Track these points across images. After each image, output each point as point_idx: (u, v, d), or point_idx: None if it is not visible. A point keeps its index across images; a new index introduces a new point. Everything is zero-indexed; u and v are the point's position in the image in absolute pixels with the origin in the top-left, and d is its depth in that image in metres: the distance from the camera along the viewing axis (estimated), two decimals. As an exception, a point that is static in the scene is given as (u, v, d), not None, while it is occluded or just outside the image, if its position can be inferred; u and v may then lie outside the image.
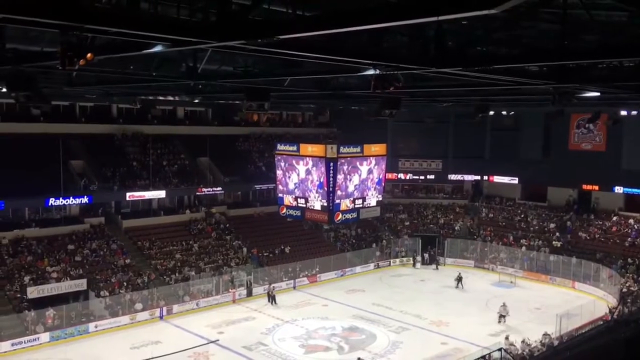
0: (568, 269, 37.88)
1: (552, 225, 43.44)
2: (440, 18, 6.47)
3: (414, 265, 42.93)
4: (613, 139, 41.41)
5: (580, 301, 32.10)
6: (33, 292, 28.75)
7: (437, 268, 42.14)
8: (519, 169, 45.76)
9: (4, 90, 17.90)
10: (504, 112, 40.24)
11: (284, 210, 32.48)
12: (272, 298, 33.67)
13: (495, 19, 10.05)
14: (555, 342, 25.14)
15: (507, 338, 25.74)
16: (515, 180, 46.86)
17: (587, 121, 39.92)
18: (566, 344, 24.07)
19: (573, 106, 23.50)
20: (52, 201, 32.72)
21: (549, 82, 15.26)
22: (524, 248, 41.68)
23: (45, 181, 32.61)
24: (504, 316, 31.77)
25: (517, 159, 45.61)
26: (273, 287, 34.49)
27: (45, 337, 27.18)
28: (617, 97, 22.94)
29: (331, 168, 29.04)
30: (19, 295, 28.81)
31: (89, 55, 8.87)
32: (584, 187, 43.71)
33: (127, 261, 33.87)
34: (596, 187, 43.27)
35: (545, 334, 25.74)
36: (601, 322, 28.05)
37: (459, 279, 37.59)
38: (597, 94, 19.36)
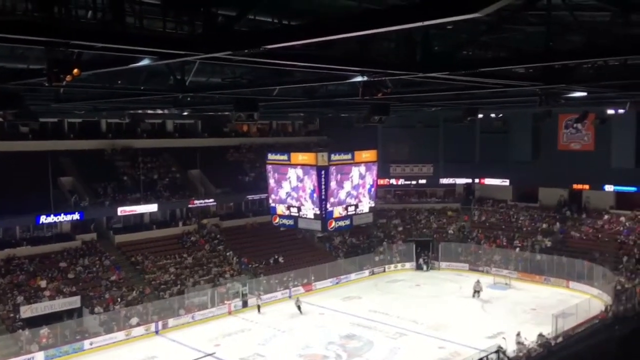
0: (562, 269, 37.96)
1: (544, 225, 43.58)
2: (426, 23, 6.49)
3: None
4: (601, 138, 41.68)
5: (575, 300, 32.18)
6: (26, 311, 28.49)
7: (424, 269, 42.54)
8: (509, 171, 45.91)
9: (-9, 108, 17.78)
10: (493, 115, 40.41)
11: (277, 220, 32.44)
12: (258, 307, 33.92)
13: (481, 23, 10.13)
14: (552, 343, 25.22)
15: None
16: (507, 182, 47.02)
17: (574, 121, 40.14)
18: (562, 343, 24.20)
19: (560, 106, 23.59)
20: (43, 219, 32.40)
21: (536, 83, 15.36)
22: (517, 249, 41.78)
23: (35, 199, 32.33)
24: (478, 292, 32.26)
25: (507, 161, 45.77)
26: (258, 294, 34.68)
27: (40, 356, 26.86)
28: (604, 97, 23.10)
29: (322, 176, 29.06)
30: (12, 315, 28.53)
31: (75, 71, 8.87)
32: (575, 186, 43.90)
33: (121, 277, 33.65)
34: (587, 187, 43.50)
35: (540, 335, 25.80)
36: (597, 321, 28.20)
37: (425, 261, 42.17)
38: (584, 94, 19.49)
